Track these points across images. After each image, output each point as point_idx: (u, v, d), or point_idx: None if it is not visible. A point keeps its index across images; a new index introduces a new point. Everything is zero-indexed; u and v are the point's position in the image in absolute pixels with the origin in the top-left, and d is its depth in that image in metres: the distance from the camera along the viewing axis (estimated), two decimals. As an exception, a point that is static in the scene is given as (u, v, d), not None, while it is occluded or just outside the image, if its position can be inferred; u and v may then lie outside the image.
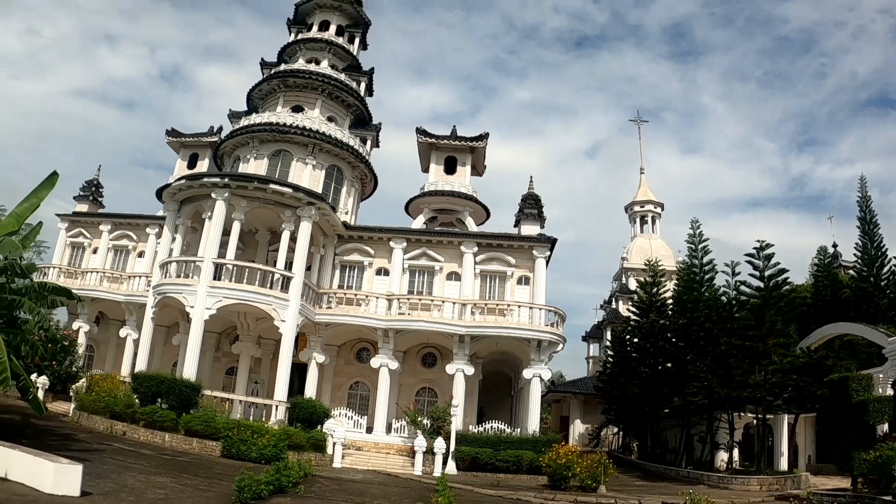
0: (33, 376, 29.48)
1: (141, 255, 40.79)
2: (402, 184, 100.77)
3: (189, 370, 28.56)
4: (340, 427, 28.10)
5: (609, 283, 68.08)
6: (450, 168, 39.00)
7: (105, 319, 40.71)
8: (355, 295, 33.36)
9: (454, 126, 39.22)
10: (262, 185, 31.45)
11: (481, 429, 29.91)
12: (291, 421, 27.87)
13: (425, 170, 39.98)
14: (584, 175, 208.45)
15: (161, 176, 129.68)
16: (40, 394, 29.64)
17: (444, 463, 27.02)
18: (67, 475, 12.24)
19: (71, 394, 30.23)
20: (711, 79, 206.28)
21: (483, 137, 38.57)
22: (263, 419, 27.56)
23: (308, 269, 32.85)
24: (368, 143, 41.12)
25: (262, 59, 43.25)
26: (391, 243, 34.80)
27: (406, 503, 17.33)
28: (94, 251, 42.39)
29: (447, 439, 27.49)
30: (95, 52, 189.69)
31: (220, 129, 42.42)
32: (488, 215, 39.51)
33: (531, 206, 35.92)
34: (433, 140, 38.92)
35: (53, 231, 44.32)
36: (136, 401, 26.97)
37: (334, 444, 27.16)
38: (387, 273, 34.82)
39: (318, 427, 27.87)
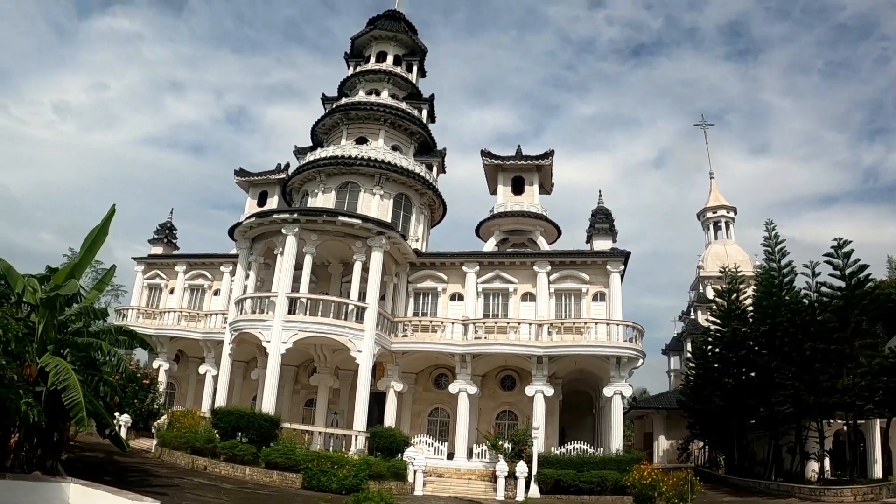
0: (116, 414, 30.07)
1: (216, 293, 41.45)
2: (471, 208, 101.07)
3: (268, 404, 28.85)
4: (420, 454, 27.93)
5: (686, 293, 66.86)
6: (517, 188, 38.75)
7: (184, 357, 41.59)
8: (430, 322, 33.30)
9: (518, 146, 39.05)
10: (330, 218, 31.74)
11: (563, 450, 29.44)
12: (371, 450, 27.81)
13: (493, 192, 39.80)
14: (652, 185, 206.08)
15: (232, 215, 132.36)
16: (123, 431, 30.53)
17: (527, 486, 26.54)
18: None
19: (153, 430, 30.73)
20: (773, 75, 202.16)
21: (548, 155, 38.31)
22: (343, 449, 27.53)
23: (382, 298, 32.83)
24: (434, 169, 41.25)
25: (324, 95, 43.83)
26: (464, 268, 34.61)
27: None
28: (171, 291, 43.28)
29: (529, 462, 27.06)
30: (162, 100, 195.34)
31: (287, 165, 43.15)
32: (560, 233, 39.12)
33: (602, 221, 35.49)
34: (499, 161, 38.78)
35: (131, 274, 45.48)
36: (217, 435, 27.29)
37: (415, 471, 26.92)
38: (461, 298, 34.57)
39: (399, 455, 27.73)
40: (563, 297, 33.77)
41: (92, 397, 16.14)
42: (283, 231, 31.60)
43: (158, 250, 45.64)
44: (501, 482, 26.69)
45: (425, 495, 26.13)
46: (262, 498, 20.17)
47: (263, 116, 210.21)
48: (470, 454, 30.81)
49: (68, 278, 17.38)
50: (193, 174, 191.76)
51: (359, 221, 31.62)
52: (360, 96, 41.53)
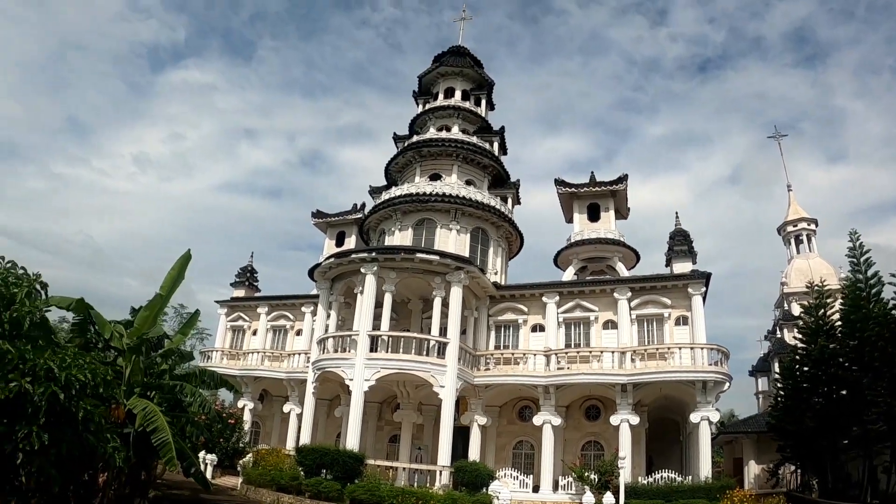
0: (202, 454, 30.57)
1: (298, 333, 41.94)
2: (549, 238, 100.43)
3: (352, 441, 28.90)
4: (505, 488, 27.34)
5: (771, 311, 64.57)
6: (593, 215, 38.28)
7: (269, 396, 42.08)
8: (512, 354, 32.95)
9: (592, 172, 38.57)
10: (408, 255, 31.89)
11: (650, 479, 28.39)
12: (456, 485, 27.46)
13: (569, 220, 39.45)
14: (729, 202, 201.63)
15: (311, 256, 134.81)
16: (209, 469, 31.03)
17: None
18: None
19: (238, 468, 31.19)
20: (843, 78, 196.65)
21: (622, 180, 37.80)
22: (428, 485, 27.32)
23: (463, 332, 32.71)
24: (509, 200, 41.03)
25: (395, 134, 44.31)
26: (543, 298, 34.22)
27: None
28: (254, 333, 44.02)
29: (616, 493, 26.09)
30: (237, 148, 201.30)
31: (363, 205, 43.64)
32: (638, 258, 38.32)
33: (680, 243, 34.62)
34: (573, 189, 38.42)
35: (214, 317, 46.51)
36: (301, 473, 27.40)
37: None
38: (542, 329, 34.14)
39: (483, 489, 27.29)
40: (645, 323, 32.97)
41: (178, 437, 16.35)
42: (362, 270, 31.90)
43: (240, 293, 46.52)
44: None
45: None
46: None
47: (336, 158, 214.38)
48: (556, 486, 30.07)
49: (148, 321, 17.70)
50: (271, 218, 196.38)
51: (437, 257, 31.70)
52: (431, 133, 41.83)
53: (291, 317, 43.03)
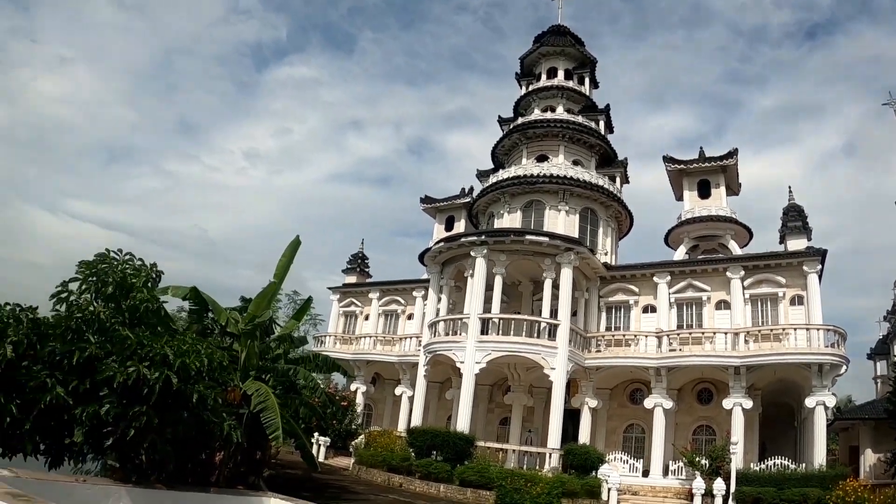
0: (315, 435, 31.65)
1: (410, 317, 42.43)
2: (659, 217, 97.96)
3: (462, 423, 29.10)
4: (615, 472, 26.90)
5: (890, 291, 60.95)
6: (703, 192, 36.98)
7: (381, 380, 42.83)
8: (623, 336, 32.32)
9: (701, 148, 37.11)
10: (517, 237, 31.70)
11: (762, 466, 27.20)
12: (565, 468, 27.21)
13: (679, 198, 38.23)
14: (844, 174, 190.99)
15: (421, 242, 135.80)
16: (322, 451, 32.32)
17: None
18: None
19: (350, 450, 31.80)
20: None
21: (732, 154, 36.27)
22: (537, 467, 27.19)
23: (573, 314, 32.35)
24: (617, 179, 40.26)
25: (500, 117, 44.09)
26: (654, 278, 33.29)
27: None
28: (366, 318, 44.72)
29: (727, 479, 25.16)
30: (344, 139, 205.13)
31: (472, 189, 43.59)
32: (751, 236, 36.65)
33: (794, 219, 32.94)
34: (681, 166, 37.17)
35: (327, 303, 47.55)
36: (412, 454, 27.78)
37: (609, 489, 25.94)
38: (653, 310, 33.25)
39: (593, 473, 26.94)
40: (759, 303, 31.46)
41: (290, 418, 16.77)
42: (472, 254, 31.89)
43: (352, 279, 47.34)
44: (698, 500, 25.08)
45: None
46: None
47: (443, 144, 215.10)
48: (666, 471, 29.34)
49: (261, 307, 18.17)
50: (381, 206, 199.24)
51: (546, 239, 31.39)
52: (536, 114, 41.37)
53: (402, 301, 43.50)
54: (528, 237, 31.51)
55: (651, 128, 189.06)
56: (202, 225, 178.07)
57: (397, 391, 38.11)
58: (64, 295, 13.59)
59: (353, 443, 32.23)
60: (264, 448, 18.43)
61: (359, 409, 38.96)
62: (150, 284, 14.41)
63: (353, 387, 40.64)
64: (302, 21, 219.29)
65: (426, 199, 46.37)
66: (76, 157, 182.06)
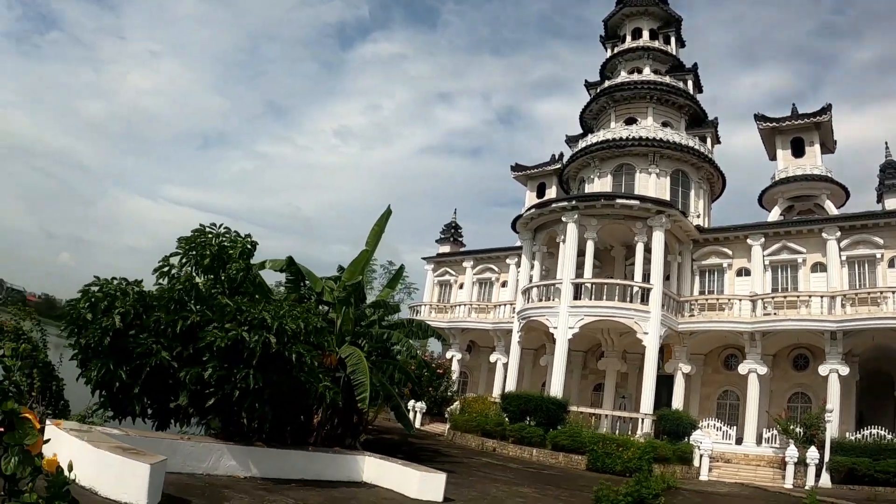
0: (411, 402, 32.46)
1: (503, 284, 42.72)
2: (753, 178, 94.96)
3: (555, 388, 29.37)
4: (707, 438, 26.72)
5: None
6: (797, 151, 35.85)
7: (476, 347, 43.36)
8: (717, 300, 31.77)
9: (794, 105, 35.80)
10: (608, 201, 31.62)
11: (858, 436, 26.12)
12: (658, 433, 27.16)
13: (772, 157, 37.21)
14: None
15: (513, 210, 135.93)
16: (418, 417, 33.30)
17: (818, 475, 24.23)
18: (432, 483, 13.35)
19: (446, 416, 32.63)
20: None
21: (826, 110, 34.90)
22: (629, 433, 27.22)
23: (666, 278, 32.03)
24: (708, 140, 39.26)
25: (586, 81, 43.64)
26: (748, 241, 32.47)
27: None
28: (460, 286, 45.29)
29: (821, 448, 24.54)
30: (433, 112, 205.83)
31: (561, 155, 43.40)
32: (848, 196, 35.50)
33: (892, 176, 31.64)
34: (774, 124, 36.11)
35: (421, 274, 48.32)
36: (506, 419, 28.19)
37: (700, 456, 25.97)
38: (747, 273, 32.50)
39: (685, 439, 26.91)
40: (856, 266, 30.21)
41: (385, 382, 17.34)
42: (563, 219, 31.94)
43: (445, 249, 48.00)
44: (790, 469, 24.64)
45: (710, 480, 25.07)
46: (547, 477, 20.54)
47: (532, 111, 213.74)
48: (759, 439, 28.72)
49: (355, 275, 18.76)
50: (472, 176, 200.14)
51: (637, 202, 31.18)
52: (622, 77, 40.74)
53: (496, 269, 43.81)
54: (619, 201, 31.40)
55: (743, 87, 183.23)
56: (296, 203, 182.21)
57: (492, 358, 38.54)
58: (166, 269, 14.39)
59: (448, 409, 32.95)
60: (361, 412, 19.13)
61: (454, 376, 39.56)
62: (245, 255, 15.09)
63: (448, 355, 41.29)
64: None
65: (517, 167, 46.45)
66: (170, 145, 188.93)
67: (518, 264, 39.04)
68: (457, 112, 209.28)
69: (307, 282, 19.44)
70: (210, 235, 14.87)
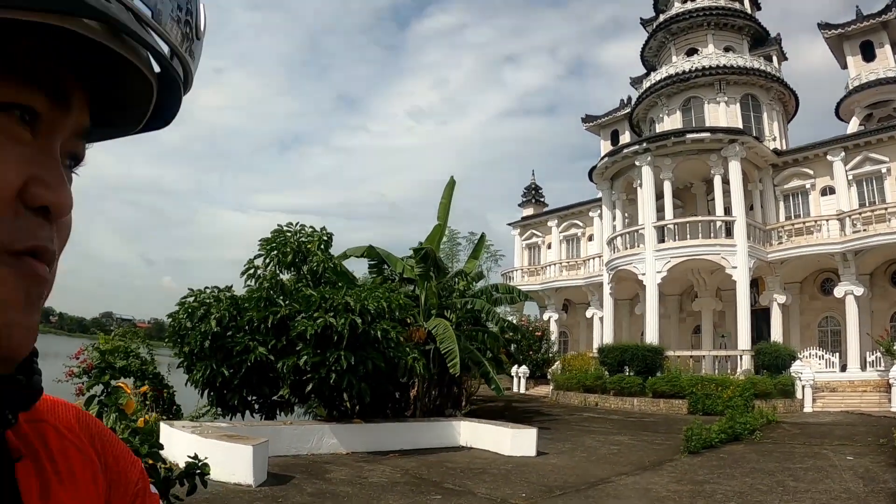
0: (514, 368, 33.05)
1: (590, 238, 42.65)
2: (831, 91, 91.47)
3: (651, 334, 29.43)
4: (808, 369, 25.85)
5: None
6: (868, 55, 34.32)
7: (572, 305, 43.48)
8: (804, 223, 30.72)
9: (857, 7, 34.34)
10: (678, 138, 31.20)
11: None
12: (757, 369, 26.70)
13: (844, 66, 35.77)
14: None
15: (593, 163, 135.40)
16: (522, 381, 33.69)
17: None
18: (523, 439, 13.93)
19: (549, 377, 32.87)
20: None
21: (891, 7, 33.10)
22: (730, 371, 26.95)
23: (750, 208, 31.57)
24: (774, 59, 37.73)
25: (641, 19, 42.72)
26: (828, 157, 31.14)
27: (868, 441, 15.44)
28: (548, 246, 45.42)
29: None
30: (502, 75, 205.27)
31: (629, 99, 42.78)
32: (931, 94, 33.95)
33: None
34: (839, 31, 34.70)
35: (510, 239, 48.48)
36: (605, 372, 28.19)
37: (803, 387, 25.25)
38: (832, 191, 31.27)
39: (785, 372, 26.26)
40: None
41: (473, 349, 17.94)
42: (637, 163, 31.83)
43: (529, 211, 48.17)
44: (895, 391, 23.68)
45: (815, 411, 24.36)
46: (645, 424, 20.66)
47: (601, 58, 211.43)
48: (864, 364, 27.70)
49: (428, 248, 19.33)
50: (552, 134, 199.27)
51: (707, 134, 30.74)
52: (676, 7, 39.35)
53: (581, 224, 43.70)
54: (689, 136, 30.97)
55: None
56: (380, 190, 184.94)
57: (588, 314, 38.74)
58: (251, 271, 15.44)
59: (549, 370, 33.29)
60: (460, 383, 19.87)
61: (553, 336, 39.69)
62: (323, 246, 15.91)
63: (545, 316, 41.62)
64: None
65: (587, 119, 46.27)
66: (251, 155, 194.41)
67: (601, 216, 38.80)
68: (526, 71, 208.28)
69: (387, 265, 20.21)
70: (289, 234, 15.77)
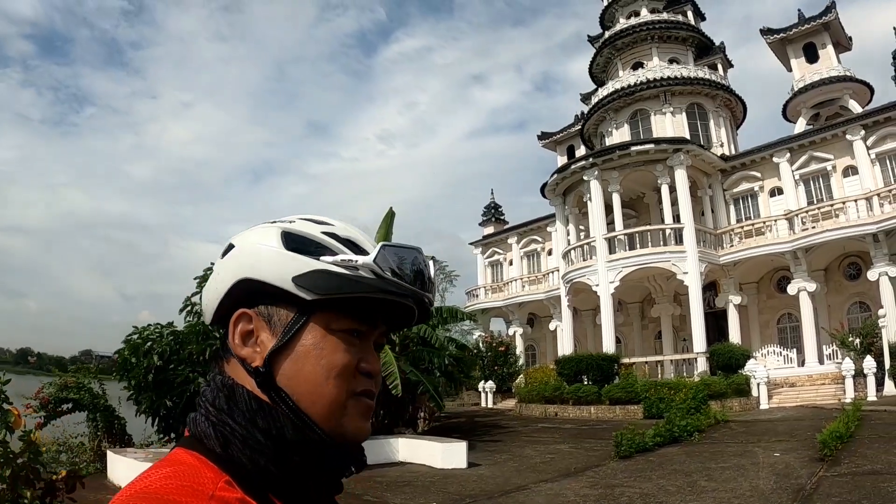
0: (481, 383, 33.82)
1: (549, 252, 42.98)
2: (778, 95, 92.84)
3: (607, 344, 29.92)
4: (761, 367, 26.32)
5: None
6: (811, 56, 35.19)
7: (537, 319, 43.93)
8: (752, 225, 31.41)
9: (799, 10, 35.37)
10: (623, 151, 31.73)
11: None
12: (713, 370, 27.11)
13: (789, 69, 36.58)
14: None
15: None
16: (490, 396, 34.06)
17: (880, 384, 23.59)
18: (454, 452, 14.44)
19: (514, 390, 33.32)
20: None
21: (830, 8, 33.98)
22: (690, 375, 27.34)
23: (702, 214, 32.38)
24: (719, 67, 38.47)
25: (588, 36, 43.53)
26: (774, 159, 31.77)
27: (806, 437, 15.54)
28: (510, 263, 45.90)
29: (878, 356, 23.80)
30: (470, 95, 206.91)
31: (583, 114, 43.38)
32: (873, 92, 34.65)
33: (904, 62, 31.11)
34: (781, 34, 35.56)
35: (473, 258, 48.92)
36: (564, 383, 28.36)
37: (757, 385, 25.65)
38: (780, 192, 31.88)
39: (740, 371, 26.59)
40: (888, 161, 29.10)
41: (412, 369, 18.39)
42: (585, 178, 32.33)
43: (490, 230, 48.67)
44: (850, 382, 23.95)
45: (770, 408, 24.73)
46: (594, 432, 20.81)
47: (567, 73, 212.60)
48: (822, 358, 28.33)
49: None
50: (521, 149, 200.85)
51: (651, 146, 31.36)
52: (621, 24, 40.14)
53: (540, 239, 44.16)
54: (634, 148, 31.54)
55: (745, 2, 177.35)
56: (352, 214, 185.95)
57: (552, 326, 39.10)
58: (189, 307, 15.99)
59: (514, 384, 33.69)
60: (414, 402, 20.33)
61: (518, 350, 40.12)
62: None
63: (510, 331, 42.09)
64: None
65: (543, 135, 47.03)
66: (223, 186, 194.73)
67: (558, 231, 39.41)
68: (493, 90, 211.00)
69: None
70: (220, 269, 16.21)
